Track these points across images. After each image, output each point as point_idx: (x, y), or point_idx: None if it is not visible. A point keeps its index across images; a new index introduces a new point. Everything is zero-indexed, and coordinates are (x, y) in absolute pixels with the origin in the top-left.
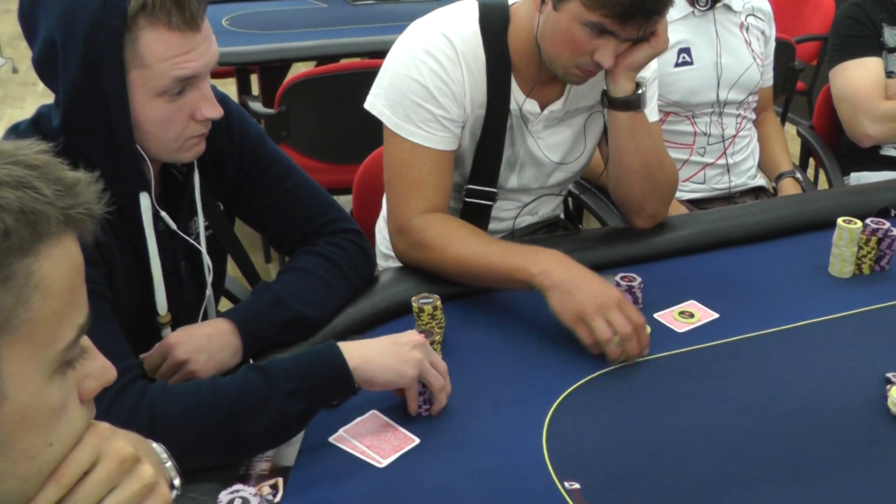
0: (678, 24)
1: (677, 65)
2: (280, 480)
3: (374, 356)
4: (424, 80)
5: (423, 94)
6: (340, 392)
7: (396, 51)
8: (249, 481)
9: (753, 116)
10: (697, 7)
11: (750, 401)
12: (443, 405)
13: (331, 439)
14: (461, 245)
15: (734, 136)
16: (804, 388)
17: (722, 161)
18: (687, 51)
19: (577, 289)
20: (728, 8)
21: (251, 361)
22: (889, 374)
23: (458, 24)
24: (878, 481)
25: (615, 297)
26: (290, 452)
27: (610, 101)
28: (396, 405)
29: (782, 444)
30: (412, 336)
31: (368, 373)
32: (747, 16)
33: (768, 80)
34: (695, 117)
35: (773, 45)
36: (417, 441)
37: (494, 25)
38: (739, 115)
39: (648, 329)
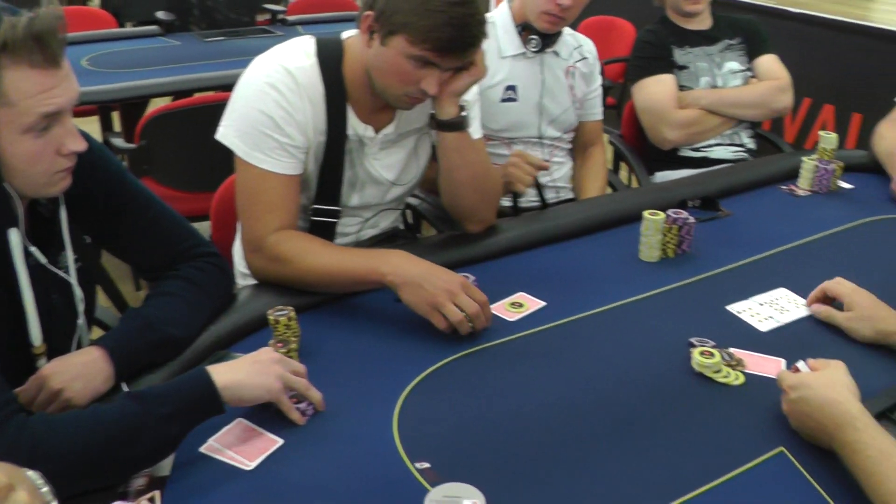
0: (509, 62)
1: (503, 100)
2: (157, 494)
3: (241, 377)
4: (270, 111)
5: (270, 124)
6: (210, 412)
7: (243, 85)
8: (129, 497)
9: (569, 146)
10: (528, 49)
11: (577, 374)
12: (319, 397)
13: (201, 449)
14: (316, 255)
15: (548, 161)
16: (624, 358)
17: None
18: (513, 88)
19: (426, 281)
20: (556, 54)
21: (124, 385)
22: (692, 339)
23: (297, 58)
24: (688, 427)
25: (460, 281)
26: (164, 464)
27: (438, 124)
28: (260, 411)
29: (608, 407)
30: (268, 353)
31: (236, 392)
32: (576, 61)
33: (596, 114)
34: (512, 144)
35: (598, 82)
36: (281, 442)
37: (330, 59)
38: (554, 145)
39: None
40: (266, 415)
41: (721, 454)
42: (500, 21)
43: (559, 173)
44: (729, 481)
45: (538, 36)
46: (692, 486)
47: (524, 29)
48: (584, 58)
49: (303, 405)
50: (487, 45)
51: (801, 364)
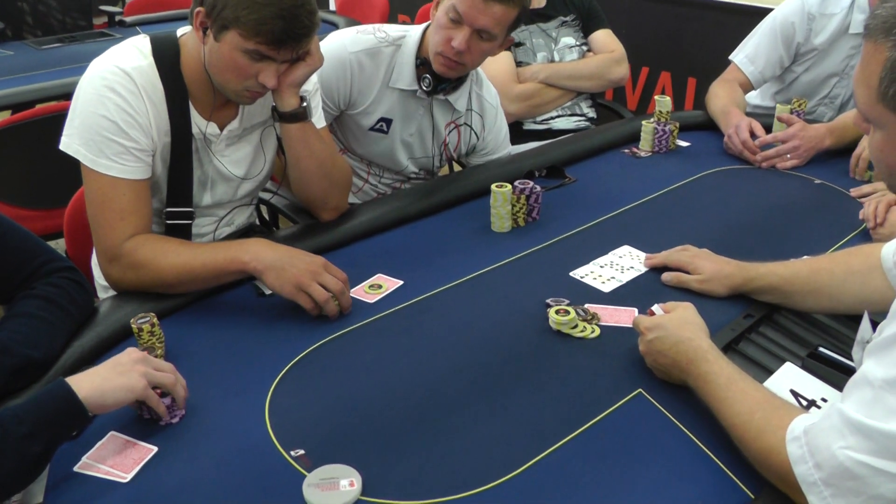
0: (396, 94)
1: (372, 129)
2: None
3: (101, 382)
4: (112, 116)
5: (113, 129)
6: (76, 423)
7: (81, 91)
8: None
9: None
10: (421, 87)
11: (440, 344)
12: (183, 397)
13: (76, 469)
14: (175, 254)
15: (408, 180)
16: (484, 325)
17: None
18: (388, 121)
19: (288, 264)
20: (448, 103)
21: None
22: (548, 300)
23: (133, 58)
24: (551, 382)
25: (321, 262)
26: (36, 491)
27: (280, 116)
28: (132, 422)
29: (472, 373)
30: (130, 353)
31: (100, 398)
32: (465, 123)
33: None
34: (371, 165)
35: (498, 128)
36: (155, 449)
37: (167, 58)
38: (412, 176)
39: None
40: (138, 424)
41: (584, 403)
42: (406, 47)
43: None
44: (593, 426)
45: (432, 76)
46: (559, 436)
47: (422, 64)
48: (470, 126)
49: (167, 400)
50: (375, 69)
51: (655, 307)
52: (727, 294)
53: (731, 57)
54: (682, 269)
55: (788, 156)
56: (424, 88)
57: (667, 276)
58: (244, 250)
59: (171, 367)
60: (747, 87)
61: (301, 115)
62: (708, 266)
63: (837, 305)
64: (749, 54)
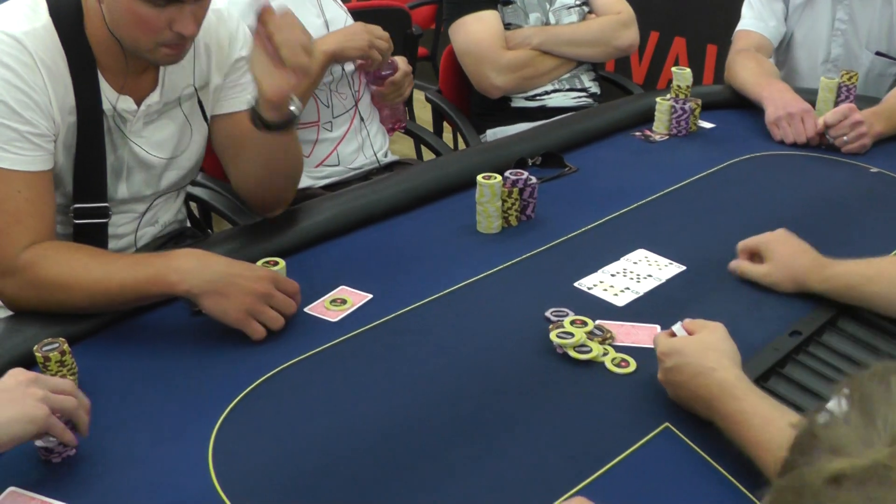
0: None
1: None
2: None
3: None
4: (1, 95)
5: (3, 111)
6: None
7: None
8: None
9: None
10: None
11: (419, 371)
12: (86, 422)
13: None
14: (85, 271)
15: (356, 104)
16: (472, 347)
17: (352, 136)
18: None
19: (231, 286)
20: None
21: None
22: (547, 314)
23: (24, 21)
24: (553, 416)
25: (270, 276)
26: None
27: (265, 125)
28: (37, 473)
29: (457, 406)
30: (17, 375)
31: None
32: None
33: None
34: (316, 91)
35: None
36: None
37: (67, 17)
38: (354, 83)
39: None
40: (44, 475)
41: (598, 442)
42: None
43: (372, 123)
44: (610, 470)
45: None
46: (569, 484)
47: None
48: None
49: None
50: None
51: (676, 327)
52: (794, 291)
53: (737, 29)
54: (755, 251)
55: (845, 138)
56: None
57: (733, 265)
58: (171, 268)
59: (71, 385)
60: (767, 48)
61: (291, 121)
62: (780, 252)
63: None
64: (755, 14)
